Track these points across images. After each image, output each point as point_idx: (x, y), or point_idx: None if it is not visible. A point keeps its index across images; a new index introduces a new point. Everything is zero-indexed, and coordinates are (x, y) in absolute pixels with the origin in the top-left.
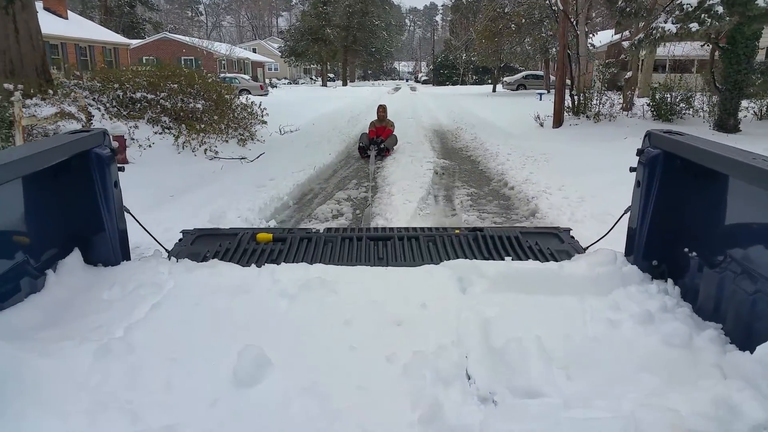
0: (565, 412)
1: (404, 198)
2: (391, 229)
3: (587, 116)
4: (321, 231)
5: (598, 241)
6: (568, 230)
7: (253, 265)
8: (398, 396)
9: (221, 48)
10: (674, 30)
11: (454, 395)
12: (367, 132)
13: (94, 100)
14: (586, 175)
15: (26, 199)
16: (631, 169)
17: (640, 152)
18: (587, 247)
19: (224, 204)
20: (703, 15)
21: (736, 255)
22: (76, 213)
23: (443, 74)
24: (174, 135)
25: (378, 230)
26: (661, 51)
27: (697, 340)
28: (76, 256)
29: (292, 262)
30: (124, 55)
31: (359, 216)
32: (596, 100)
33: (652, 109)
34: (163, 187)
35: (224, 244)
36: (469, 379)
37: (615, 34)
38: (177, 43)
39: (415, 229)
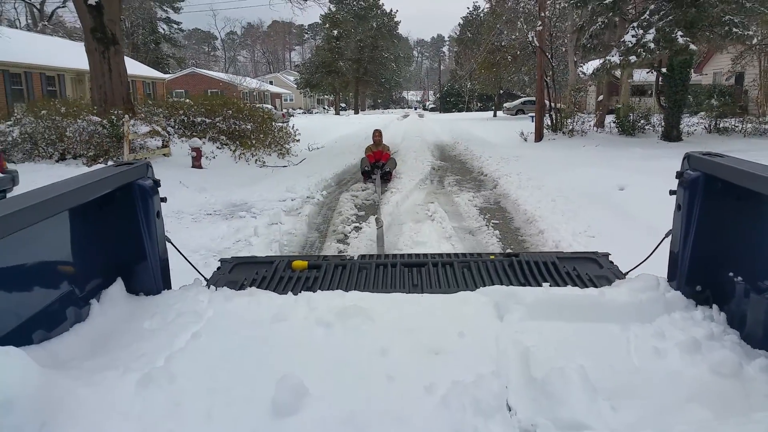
0: None
1: (409, 179)
2: (425, 255)
3: (563, 132)
4: (355, 258)
5: (638, 266)
6: (607, 255)
7: (290, 293)
8: (438, 428)
9: (252, 83)
10: (618, 61)
11: (495, 427)
12: (366, 157)
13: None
14: (539, 167)
15: (72, 230)
16: (671, 192)
17: (679, 175)
18: (627, 273)
19: (290, 185)
20: (639, 50)
21: None
22: (119, 243)
23: (449, 102)
24: (231, 149)
25: (412, 257)
26: (638, 77)
27: (747, 370)
28: (119, 286)
29: (328, 289)
30: (160, 88)
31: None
32: (570, 119)
33: (618, 126)
34: (237, 180)
35: (261, 272)
36: (510, 410)
37: (578, 66)
38: (204, 77)
39: (449, 255)
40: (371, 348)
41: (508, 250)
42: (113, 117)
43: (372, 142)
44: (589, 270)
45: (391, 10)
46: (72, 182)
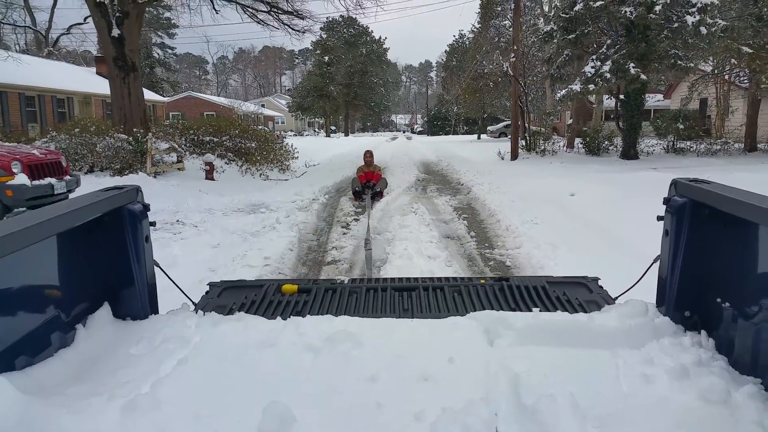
0: None
1: (398, 186)
2: (416, 279)
3: (536, 152)
4: (346, 282)
5: (627, 291)
6: (596, 279)
7: (279, 318)
8: None
9: (250, 107)
10: (579, 89)
11: None
12: (357, 177)
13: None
14: (508, 179)
15: (60, 255)
16: (659, 218)
17: (666, 201)
18: (616, 298)
19: (298, 191)
20: (597, 79)
21: None
22: (107, 267)
23: (437, 125)
24: (238, 165)
25: (402, 281)
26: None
27: (735, 396)
28: (105, 311)
29: (317, 313)
30: (160, 110)
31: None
32: (542, 140)
33: (585, 147)
34: (249, 188)
35: (250, 296)
36: None
37: (554, 92)
38: (200, 100)
39: (440, 279)
40: (360, 374)
41: (499, 275)
42: (138, 135)
43: (363, 163)
44: (579, 294)
45: (380, 38)
46: (61, 207)
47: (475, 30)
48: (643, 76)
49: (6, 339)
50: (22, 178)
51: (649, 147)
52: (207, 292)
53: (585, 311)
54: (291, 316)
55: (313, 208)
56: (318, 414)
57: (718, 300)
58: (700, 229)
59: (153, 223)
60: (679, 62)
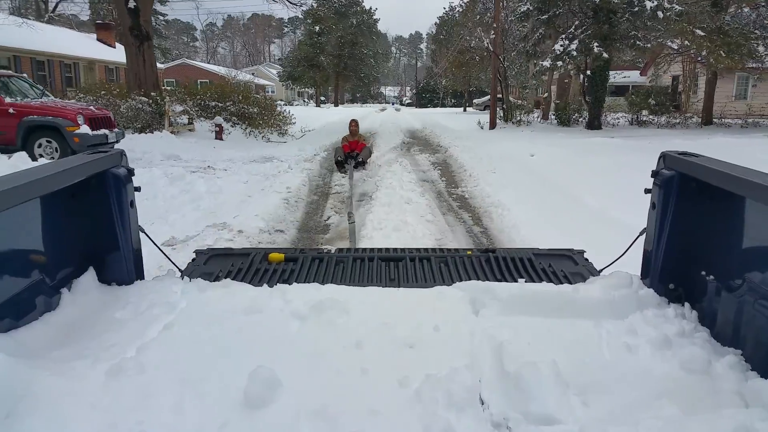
0: None
1: (385, 146)
2: (403, 249)
3: (513, 123)
4: (332, 251)
5: (612, 263)
6: (582, 252)
7: (265, 285)
8: (410, 420)
9: (246, 76)
10: (548, 65)
11: (467, 421)
12: (341, 147)
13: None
14: (481, 143)
15: (44, 218)
16: (646, 191)
17: (654, 174)
18: (602, 270)
19: (300, 147)
20: (565, 57)
21: (756, 278)
22: (92, 232)
23: (425, 97)
24: (242, 128)
25: (390, 251)
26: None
27: (716, 366)
28: (90, 276)
29: (304, 282)
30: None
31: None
32: (519, 112)
33: (557, 118)
34: (254, 147)
35: (236, 264)
36: (483, 404)
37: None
38: (194, 68)
39: (426, 250)
40: (346, 341)
41: (485, 247)
42: (157, 98)
43: (348, 132)
44: (565, 267)
45: (371, 8)
46: (44, 169)
47: (463, 5)
48: (605, 55)
49: None
50: (85, 129)
51: (614, 119)
52: (193, 260)
53: (570, 283)
54: (278, 284)
55: (316, 160)
56: (303, 379)
57: (703, 273)
58: (687, 203)
59: (138, 188)
60: (638, 42)
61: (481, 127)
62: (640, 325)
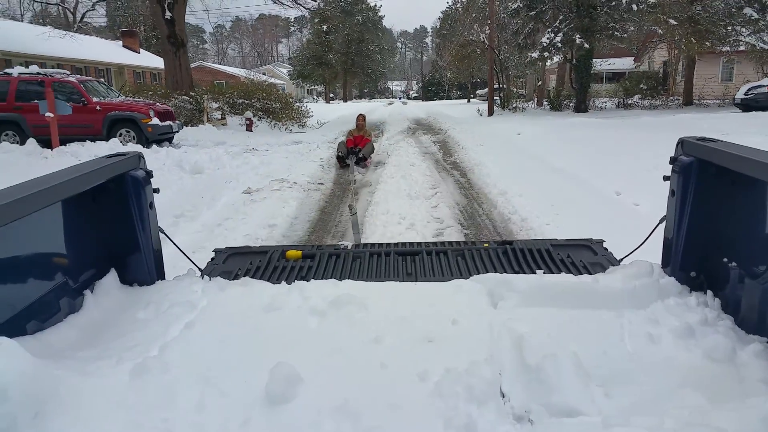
0: (604, 430)
1: (394, 131)
2: (419, 243)
3: (509, 109)
4: (349, 247)
5: (632, 252)
6: (601, 242)
7: (284, 282)
8: (431, 414)
9: (260, 76)
10: (536, 56)
11: (489, 414)
12: (345, 141)
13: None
14: (477, 126)
15: (66, 222)
16: (665, 178)
17: (673, 160)
18: (621, 259)
19: (323, 133)
20: (551, 48)
21: None
22: (113, 234)
23: (431, 90)
24: (267, 121)
25: (406, 245)
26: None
27: (741, 355)
28: (112, 277)
29: (322, 278)
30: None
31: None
32: (514, 99)
33: (549, 104)
34: (281, 136)
35: (255, 262)
36: (504, 397)
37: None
38: (211, 69)
39: (443, 243)
40: (365, 336)
41: (503, 239)
42: (197, 96)
43: (354, 126)
44: (584, 257)
45: (375, 5)
46: (65, 173)
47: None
48: (586, 45)
49: (16, 304)
50: (156, 120)
51: (602, 103)
52: (212, 258)
53: (589, 273)
54: (296, 281)
55: (336, 142)
56: (324, 374)
57: (725, 260)
58: (706, 189)
59: (157, 190)
60: (615, 33)
61: (480, 114)
62: (662, 314)
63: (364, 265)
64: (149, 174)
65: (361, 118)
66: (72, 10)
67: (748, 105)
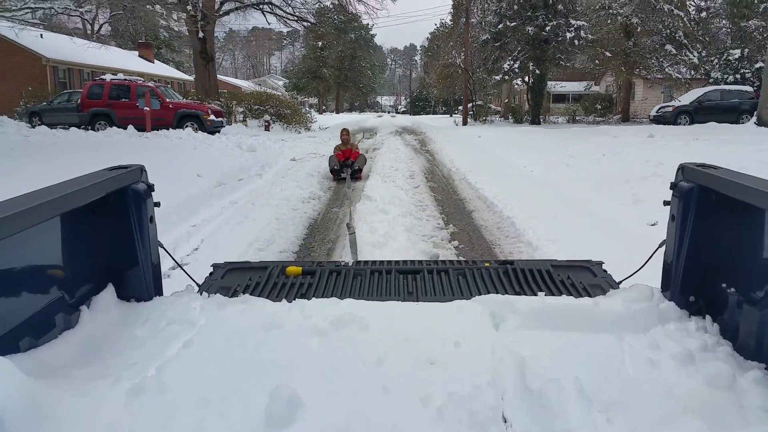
0: None
1: (385, 133)
2: (420, 262)
3: (480, 121)
4: (350, 264)
5: (632, 275)
6: (600, 263)
7: (284, 300)
8: None
9: (253, 86)
10: (498, 79)
11: None
12: (334, 155)
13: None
14: (449, 132)
15: (64, 236)
16: (665, 203)
17: (673, 186)
18: (620, 282)
19: (329, 133)
20: (510, 73)
21: None
22: (111, 248)
23: (418, 105)
24: (280, 124)
25: (407, 263)
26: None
27: (741, 381)
28: (110, 292)
29: (322, 296)
30: (189, 87)
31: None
32: (484, 114)
33: (512, 117)
34: (294, 135)
35: (254, 278)
36: (506, 422)
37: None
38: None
39: (444, 262)
40: (366, 358)
41: (503, 259)
42: (227, 102)
43: (340, 142)
44: (583, 279)
45: (368, 24)
46: (64, 186)
47: (447, 26)
48: (537, 71)
49: (10, 321)
50: (212, 117)
51: (554, 118)
52: (211, 274)
53: (590, 295)
54: (296, 299)
55: None
56: (325, 397)
57: (724, 285)
58: (706, 215)
59: (158, 204)
60: (561, 62)
61: (456, 124)
62: (663, 339)
63: (365, 282)
64: (150, 187)
65: (345, 132)
66: (90, 21)
67: (658, 119)
